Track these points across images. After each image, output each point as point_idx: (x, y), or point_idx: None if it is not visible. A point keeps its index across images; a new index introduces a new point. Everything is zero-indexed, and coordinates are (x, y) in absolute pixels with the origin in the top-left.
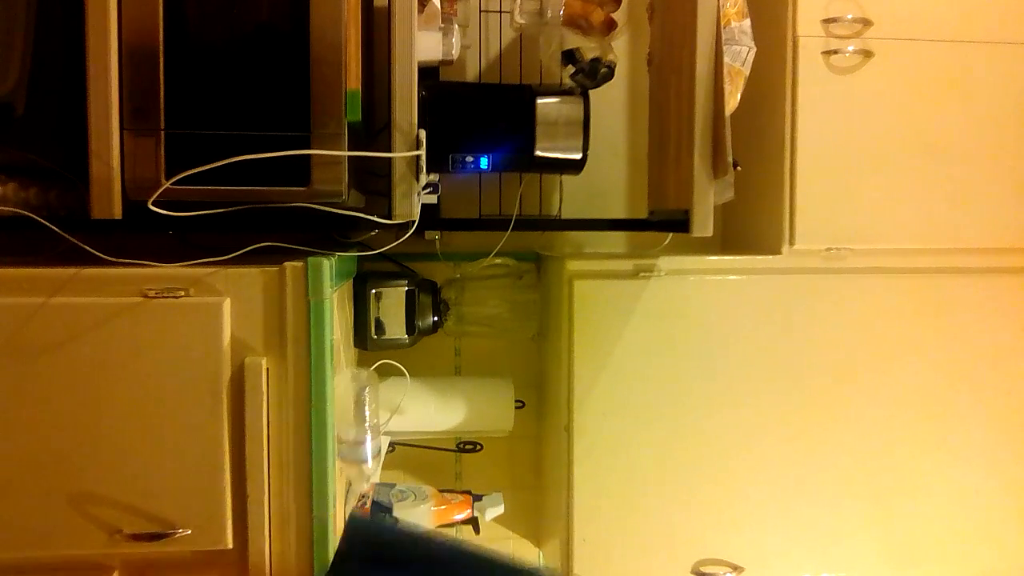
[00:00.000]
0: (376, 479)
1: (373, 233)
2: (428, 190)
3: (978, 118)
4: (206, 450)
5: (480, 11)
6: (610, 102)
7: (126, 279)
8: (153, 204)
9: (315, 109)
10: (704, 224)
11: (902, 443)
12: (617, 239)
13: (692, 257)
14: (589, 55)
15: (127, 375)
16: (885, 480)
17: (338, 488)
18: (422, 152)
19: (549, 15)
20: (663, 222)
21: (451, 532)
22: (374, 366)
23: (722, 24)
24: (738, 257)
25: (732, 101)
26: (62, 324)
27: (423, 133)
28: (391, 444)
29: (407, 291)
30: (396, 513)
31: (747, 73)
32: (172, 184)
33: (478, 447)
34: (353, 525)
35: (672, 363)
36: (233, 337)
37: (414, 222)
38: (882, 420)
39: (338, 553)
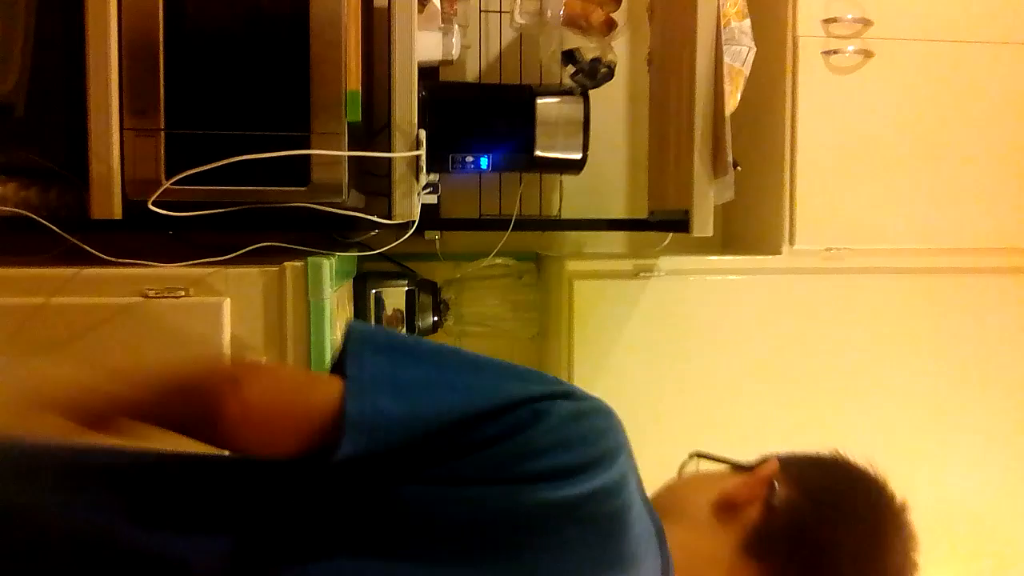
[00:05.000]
0: None
1: (373, 233)
2: (428, 190)
3: (978, 118)
4: (205, 450)
5: (480, 11)
6: (610, 102)
7: (126, 279)
8: (153, 204)
9: (315, 109)
10: (704, 224)
11: (902, 442)
12: (617, 239)
13: (692, 257)
14: (589, 55)
15: None
16: None
17: None
18: (422, 152)
19: (549, 15)
20: (663, 222)
21: None
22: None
23: (722, 24)
24: (738, 257)
25: (732, 101)
26: (62, 324)
27: (423, 133)
28: None
29: (407, 291)
30: None
31: (747, 73)
32: (172, 184)
33: None
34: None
35: (672, 363)
36: (233, 337)
37: (414, 222)
38: (882, 419)
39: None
